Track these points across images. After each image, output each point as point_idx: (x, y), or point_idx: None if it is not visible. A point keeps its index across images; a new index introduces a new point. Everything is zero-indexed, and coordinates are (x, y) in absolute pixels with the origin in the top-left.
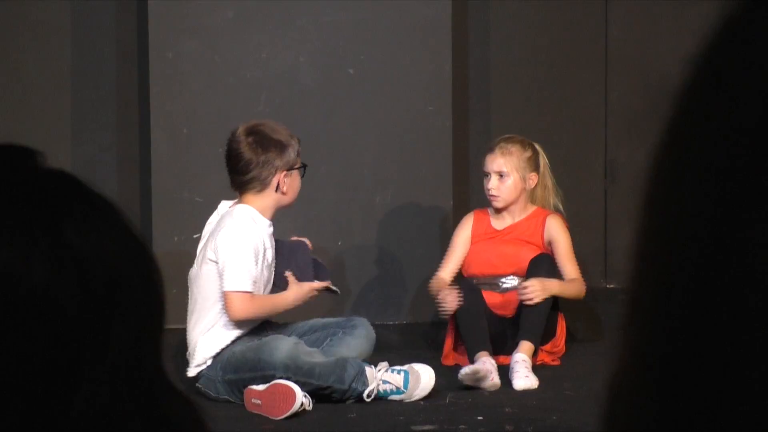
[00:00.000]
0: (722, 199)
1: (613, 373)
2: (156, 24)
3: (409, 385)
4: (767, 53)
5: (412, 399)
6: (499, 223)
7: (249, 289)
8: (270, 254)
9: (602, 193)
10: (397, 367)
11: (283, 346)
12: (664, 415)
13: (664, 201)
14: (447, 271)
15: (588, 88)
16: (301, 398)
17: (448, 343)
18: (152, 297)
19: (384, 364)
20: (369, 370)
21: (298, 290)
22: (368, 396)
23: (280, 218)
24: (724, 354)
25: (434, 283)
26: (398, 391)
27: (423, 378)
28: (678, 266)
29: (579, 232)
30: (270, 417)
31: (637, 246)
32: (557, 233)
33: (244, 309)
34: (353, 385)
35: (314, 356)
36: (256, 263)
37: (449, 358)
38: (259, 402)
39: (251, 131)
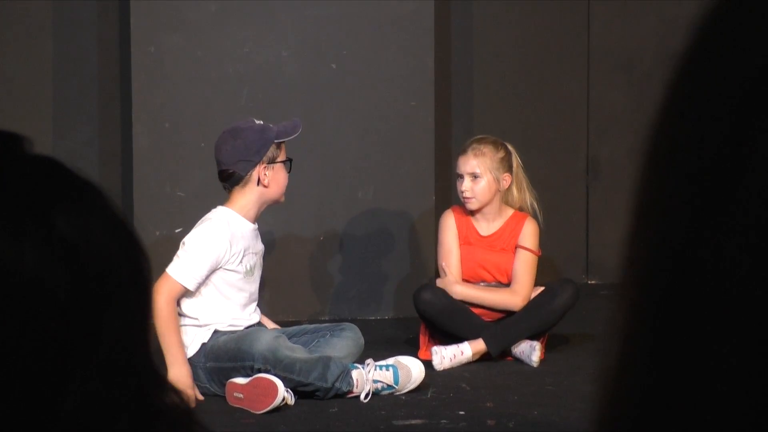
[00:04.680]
0: (703, 191)
1: (603, 366)
2: (138, 18)
3: (400, 380)
4: (747, 47)
5: (404, 392)
6: (482, 227)
7: (187, 285)
8: (252, 260)
9: (584, 190)
10: (383, 363)
11: (263, 337)
12: (652, 406)
13: (652, 195)
14: (458, 274)
15: (570, 84)
16: (283, 393)
17: (423, 337)
18: (142, 286)
19: (370, 361)
20: (358, 372)
21: (179, 373)
22: (365, 398)
23: (263, 211)
24: (709, 343)
25: (459, 289)
26: (389, 387)
27: (414, 371)
28: (664, 255)
29: (561, 228)
30: (252, 411)
31: (627, 237)
32: (526, 241)
33: (165, 297)
34: (337, 384)
35: (296, 351)
36: (208, 268)
37: (426, 352)
38: (241, 396)
39: (231, 127)
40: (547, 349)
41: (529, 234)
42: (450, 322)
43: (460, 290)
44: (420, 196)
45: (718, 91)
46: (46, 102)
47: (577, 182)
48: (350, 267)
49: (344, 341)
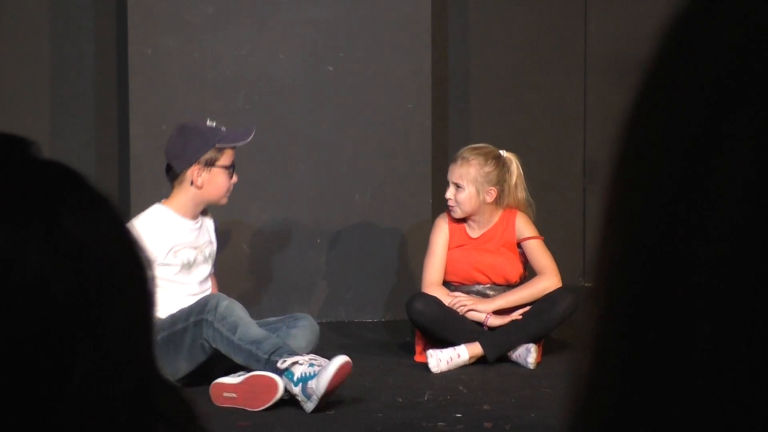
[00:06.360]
0: (674, 193)
1: (575, 374)
2: (135, 20)
3: (321, 369)
4: (716, 47)
5: (318, 385)
6: (474, 231)
7: None
8: (190, 254)
9: (581, 192)
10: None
11: (227, 297)
12: (625, 413)
13: (622, 189)
14: (437, 276)
15: (567, 86)
16: (283, 388)
17: (419, 340)
18: (144, 287)
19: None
20: (305, 355)
21: None
22: (282, 363)
23: (259, 213)
24: (682, 348)
25: (435, 291)
26: (314, 375)
27: (332, 363)
28: (635, 258)
29: (558, 230)
30: (248, 408)
31: (598, 242)
32: (525, 232)
33: None
34: (272, 356)
35: (252, 324)
36: None
37: (421, 355)
38: (233, 395)
39: (182, 123)
40: (543, 352)
41: (524, 225)
42: (443, 329)
43: (496, 308)
44: (417, 199)
45: (687, 92)
46: (43, 103)
47: (574, 185)
48: (346, 269)
49: (301, 330)
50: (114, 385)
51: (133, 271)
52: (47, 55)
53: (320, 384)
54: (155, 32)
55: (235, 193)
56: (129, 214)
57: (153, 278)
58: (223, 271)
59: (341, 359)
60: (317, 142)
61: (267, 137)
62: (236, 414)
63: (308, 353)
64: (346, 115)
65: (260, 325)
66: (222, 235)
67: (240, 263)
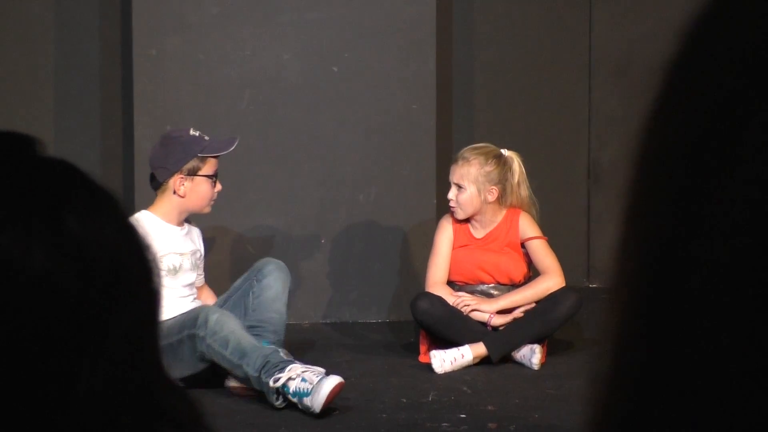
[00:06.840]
0: (690, 190)
1: (596, 371)
2: (140, 21)
3: (324, 385)
4: (734, 48)
5: (313, 404)
6: (478, 231)
7: None
8: (176, 259)
9: (585, 193)
10: (323, 372)
11: (216, 309)
12: (645, 409)
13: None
14: (441, 276)
15: (572, 87)
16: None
17: (423, 340)
18: (150, 287)
19: (321, 370)
20: (294, 365)
21: None
22: (274, 381)
23: (263, 214)
24: (702, 345)
25: (438, 290)
26: (308, 392)
27: (326, 383)
28: (653, 256)
29: (562, 231)
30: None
31: (617, 241)
32: (529, 232)
33: None
34: (262, 375)
35: (245, 337)
36: None
37: (426, 356)
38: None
39: (166, 133)
40: (548, 353)
41: (528, 225)
42: (448, 329)
43: (499, 308)
44: (421, 200)
45: (704, 91)
46: (48, 104)
47: (578, 186)
48: (351, 270)
49: (272, 279)
50: (119, 385)
51: (138, 271)
52: (52, 55)
53: (314, 404)
54: (160, 33)
55: (239, 194)
56: (133, 214)
57: (159, 277)
58: (227, 272)
59: (332, 382)
60: (321, 142)
61: (271, 138)
62: (240, 414)
63: (285, 292)
64: (351, 115)
65: (230, 295)
66: (226, 236)
67: (244, 264)
